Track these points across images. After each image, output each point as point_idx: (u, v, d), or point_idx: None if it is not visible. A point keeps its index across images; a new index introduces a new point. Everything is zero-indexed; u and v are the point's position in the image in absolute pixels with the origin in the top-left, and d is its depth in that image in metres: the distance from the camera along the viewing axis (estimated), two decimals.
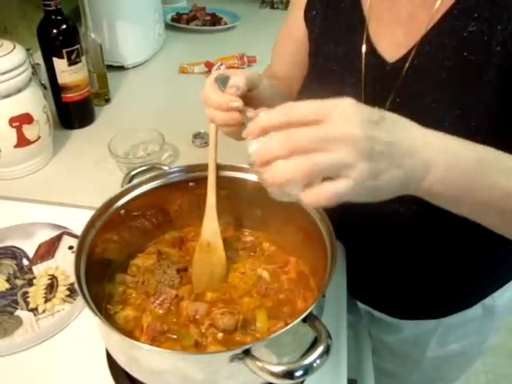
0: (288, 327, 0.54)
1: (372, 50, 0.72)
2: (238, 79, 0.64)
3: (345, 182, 0.44)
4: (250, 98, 0.67)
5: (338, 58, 0.76)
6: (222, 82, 0.65)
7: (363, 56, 0.72)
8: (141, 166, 0.79)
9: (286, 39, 0.91)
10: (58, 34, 1.10)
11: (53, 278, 0.81)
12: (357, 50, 0.73)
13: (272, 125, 0.48)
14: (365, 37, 0.73)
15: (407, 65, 0.68)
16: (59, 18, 1.09)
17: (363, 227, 0.81)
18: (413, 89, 0.68)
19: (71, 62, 1.13)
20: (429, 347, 0.97)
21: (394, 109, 0.66)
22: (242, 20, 1.84)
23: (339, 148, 0.44)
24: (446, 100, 0.66)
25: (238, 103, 0.63)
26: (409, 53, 0.68)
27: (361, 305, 0.97)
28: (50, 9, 1.07)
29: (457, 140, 0.52)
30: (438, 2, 0.66)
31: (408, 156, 0.47)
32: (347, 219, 0.78)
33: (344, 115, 0.46)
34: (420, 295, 0.87)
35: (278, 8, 2.02)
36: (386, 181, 0.46)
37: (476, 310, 0.90)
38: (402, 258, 0.80)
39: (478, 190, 0.52)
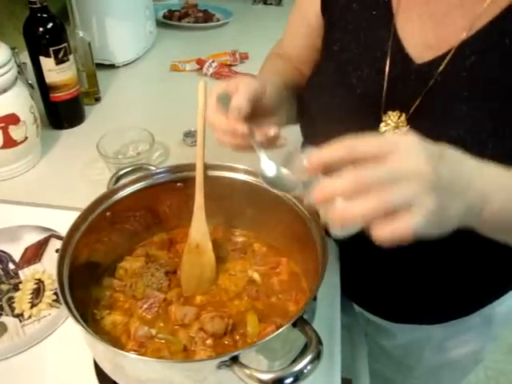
0: (277, 333, 0.53)
1: (398, 46, 0.67)
2: (240, 100, 0.61)
3: (417, 217, 0.44)
4: (256, 108, 0.64)
5: (358, 50, 0.71)
6: (224, 101, 0.63)
7: (388, 51, 0.67)
8: (127, 167, 0.77)
9: (299, 20, 0.86)
10: (45, 32, 1.07)
11: (39, 282, 0.79)
12: (381, 43, 0.68)
13: (333, 158, 0.47)
14: (392, 31, 0.67)
15: (439, 70, 0.63)
16: (45, 15, 1.07)
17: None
18: (442, 96, 0.64)
19: (59, 61, 1.11)
20: (424, 354, 0.95)
21: (419, 114, 0.65)
22: (234, 16, 1.82)
23: (408, 185, 0.44)
24: (478, 115, 0.61)
25: (244, 129, 0.61)
26: (441, 57, 0.63)
27: (356, 307, 0.95)
28: (36, 6, 1.05)
29: (507, 171, 0.52)
30: (485, 5, 0.61)
31: (469, 188, 0.48)
32: None
33: (410, 152, 0.45)
34: (416, 299, 0.84)
35: (271, 4, 2.00)
36: (451, 214, 0.47)
37: (474, 319, 0.87)
38: (398, 260, 0.78)
39: None
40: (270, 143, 0.63)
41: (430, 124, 0.64)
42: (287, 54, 0.89)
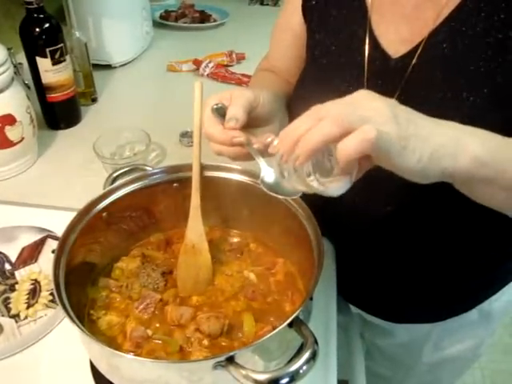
0: (273, 333, 0.53)
1: (374, 43, 0.69)
2: (236, 110, 0.62)
3: (374, 130, 0.44)
4: (250, 118, 0.64)
5: (339, 51, 0.74)
6: (220, 112, 0.63)
7: (366, 49, 0.70)
8: (124, 167, 0.77)
9: (282, 32, 0.88)
10: (41, 32, 1.07)
11: (36, 282, 0.79)
12: (358, 43, 0.70)
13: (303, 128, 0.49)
14: (367, 29, 0.70)
15: (413, 61, 0.65)
16: (41, 16, 1.07)
17: (353, 227, 0.79)
18: (419, 86, 0.66)
19: (55, 62, 1.11)
20: (423, 352, 0.95)
21: None
22: (231, 17, 1.82)
23: (365, 109, 0.47)
24: (454, 99, 0.63)
25: (241, 138, 0.62)
26: (414, 49, 0.66)
27: (352, 308, 0.95)
28: (32, 7, 1.05)
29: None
30: None
31: (435, 134, 0.49)
32: (336, 219, 0.77)
33: (369, 96, 0.49)
34: (413, 299, 0.84)
35: (267, 4, 2.01)
36: (414, 151, 0.47)
37: (472, 315, 0.88)
38: (394, 259, 0.78)
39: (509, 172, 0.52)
40: (267, 150, 0.64)
41: None
42: (275, 66, 0.91)
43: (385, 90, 0.67)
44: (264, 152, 0.62)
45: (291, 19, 0.83)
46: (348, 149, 0.45)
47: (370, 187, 0.72)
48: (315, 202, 0.70)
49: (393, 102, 0.49)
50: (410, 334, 0.94)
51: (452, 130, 0.50)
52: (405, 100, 0.65)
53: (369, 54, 0.69)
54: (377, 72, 0.69)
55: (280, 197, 0.64)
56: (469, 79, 0.62)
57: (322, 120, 0.46)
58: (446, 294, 0.83)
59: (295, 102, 0.81)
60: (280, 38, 0.90)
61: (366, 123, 0.45)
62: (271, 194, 0.61)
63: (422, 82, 0.66)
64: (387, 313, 0.91)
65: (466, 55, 0.62)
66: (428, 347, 0.94)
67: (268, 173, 0.62)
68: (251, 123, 0.65)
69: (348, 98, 0.49)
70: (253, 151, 0.62)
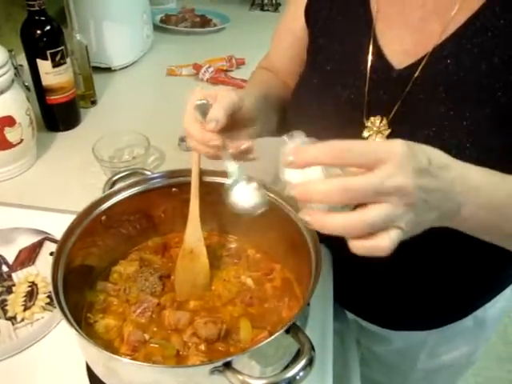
0: (270, 339, 0.53)
1: (378, 53, 0.69)
2: (217, 112, 0.61)
3: (393, 238, 0.45)
4: (232, 119, 0.64)
5: (342, 59, 0.73)
6: (202, 109, 0.63)
7: (369, 59, 0.69)
8: (123, 171, 0.78)
9: (284, 33, 0.89)
10: (42, 35, 1.08)
11: (33, 285, 0.79)
12: (362, 52, 0.70)
13: (321, 162, 0.47)
14: (372, 39, 0.70)
15: (416, 74, 0.65)
16: (43, 18, 1.08)
17: None
18: (420, 99, 0.66)
19: (56, 64, 1.11)
20: (419, 359, 0.95)
21: (400, 118, 0.66)
22: (231, 22, 1.83)
23: (390, 200, 0.44)
24: (456, 115, 0.63)
25: (218, 141, 0.62)
26: (418, 61, 0.65)
27: (348, 314, 0.95)
28: (34, 9, 1.06)
29: (489, 175, 0.53)
30: (454, 11, 0.63)
31: (447, 200, 0.49)
32: None
33: (398, 164, 0.44)
34: (409, 306, 0.85)
35: (267, 10, 2.01)
36: (425, 223, 0.48)
37: (467, 322, 0.88)
38: (391, 268, 0.78)
39: (507, 222, 0.55)
40: (242, 156, 0.64)
41: (409, 126, 0.66)
42: (274, 66, 0.91)
43: (386, 101, 0.68)
44: (237, 157, 0.63)
45: (293, 22, 0.83)
46: (359, 250, 0.46)
47: None
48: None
49: (424, 162, 0.46)
50: (405, 341, 0.94)
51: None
52: (405, 112, 0.66)
53: (372, 64, 0.69)
54: (379, 82, 0.69)
55: (244, 207, 0.63)
56: (471, 97, 0.62)
57: (344, 199, 0.45)
58: (442, 302, 0.84)
59: (294, 106, 0.81)
60: (281, 39, 0.90)
61: (386, 226, 0.45)
62: (234, 203, 0.61)
63: (424, 95, 0.65)
64: (383, 320, 0.91)
65: (470, 73, 0.62)
66: (424, 354, 0.94)
67: (238, 182, 0.61)
68: (233, 124, 0.65)
69: (376, 155, 0.45)
70: (226, 156, 0.62)
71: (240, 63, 1.55)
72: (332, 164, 0.46)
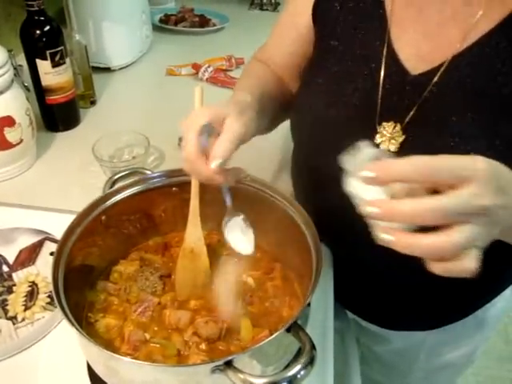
0: (271, 338, 0.53)
1: (393, 57, 0.67)
2: (224, 149, 0.57)
3: (475, 252, 0.44)
4: None
5: (352, 60, 0.71)
6: (208, 131, 0.60)
7: (383, 62, 0.67)
8: (123, 171, 0.78)
9: (286, 28, 0.85)
10: (42, 35, 1.07)
11: (33, 284, 0.79)
12: (375, 55, 0.68)
13: (408, 179, 0.44)
14: (386, 42, 0.67)
15: (434, 81, 0.63)
16: (42, 18, 1.07)
17: (351, 234, 0.79)
18: (437, 107, 0.64)
19: (55, 64, 1.11)
20: (419, 359, 0.95)
21: (415, 125, 0.65)
22: (230, 21, 1.82)
23: (475, 220, 0.43)
24: (471, 127, 0.62)
25: (220, 180, 0.60)
26: (436, 68, 0.63)
27: (349, 313, 0.95)
28: (33, 9, 1.05)
29: None
30: (476, 18, 0.61)
31: (510, 216, 0.47)
32: (334, 225, 0.77)
33: (483, 184, 0.43)
34: (409, 307, 0.84)
35: (267, 10, 2.01)
36: (490, 239, 0.46)
37: (467, 322, 0.87)
38: (392, 268, 0.78)
39: None
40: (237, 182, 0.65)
41: (424, 134, 0.64)
42: (271, 60, 0.88)
43: (400, 106, 0.66)
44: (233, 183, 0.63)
45: (297, 18, 0.81)
46: (438, 271, 0.45)
47: None
48: (314, 208, 0.71)
49: (503, 180, 0.45)
50: (405, 341, 0.94)
51: None
52: (421, 119, 0.64)
53: (385, 67, 0.67)
54: (393, 87, 0.67)
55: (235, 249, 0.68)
56: (491, 107, 0.61)
57: (433, 220, 0.43)
58: (442, 303, 0.83)
59: (303, 101, 0.78)
60: (282, 34, 0.87)
61: (469, 248, 0.43)
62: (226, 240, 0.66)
63: (442, 103, 0.64)
64: (383, 320, 0.91)
65: (490, 84, 0.61)
66: (424, 354, 0.94)
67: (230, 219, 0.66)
68: None
69: (462, 173, 0.43)
70: (225, 191, 0.64)
71: (239, 63, 1.54)
72: (417, 181, 0.45)
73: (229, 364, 0.51)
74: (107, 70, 1.48)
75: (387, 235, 0.44)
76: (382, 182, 0.45)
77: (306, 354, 0.51)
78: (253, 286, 0.73)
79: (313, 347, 0.52)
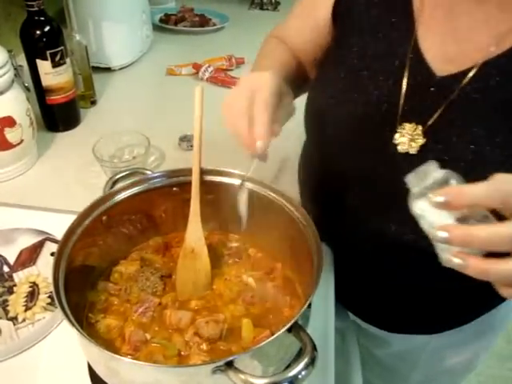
0: (272, 338, 0.53)
1: (418, 57, 0.65)
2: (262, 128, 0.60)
3: None
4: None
5: (376, 58, 0.69)
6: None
7: (408, 61, 0.66)
8: (124, 171, 0.78)
9: (305, 16, 0.84)
10: (42, 35, 1.07)
11: (34, 285, 0.79)
12: (400, 54, 0.66)
13: (484, 206, 0.44)
14: (412, 41, 0.66)
15: (461, 85, 0.62)
16: (42, 18, 1.07)
17: (352, 234, 0.79)
18: (461, 112, 0.62)
19: (55, 64, 1.11)
20: (419, 363, 0.94)
21: (437, 129, 0.63)
22: (230, 21, 1.82)
23: None
24: (495, 135, 0.60)
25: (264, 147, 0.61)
26: (464, 72, 0.62)
27: (350, 315, 0.94)
28: (33, 9, 1.05)
29: None
30: (508, 24, 0.59)
31: None
32: (335, 225, 0.77)
33: None
34: (411, 310, 0.83)
35: (267, 9, 2.01)
36: None
37: (470, 328, 0.86)
38: (393, 269, 0.77)
39: None
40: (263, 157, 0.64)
41: (446, 139, 0.63)
42: (291, 41, 0.86)
43: (423, 108, 0.64)
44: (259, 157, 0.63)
45: (315, 10, 0.79)
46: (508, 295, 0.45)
47: (371, 197, 0.72)
48: (315, 208, 0.71)
49: None
50: (406, 344, 0.93)
51: None
52: (444, 123, 0.63)
53: (410, 66, 0.66)
54: (416, 87, 0.65)
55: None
56: None
57: None
58: (445, 308, 0.82)
59: (319, 94, 0.76)
60: (303, 20, 0.85)
61: None
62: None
63: (468, 108, 0.62)
64: (383, 322, 0.90)
65: None
66: (425, 358, 0.93)
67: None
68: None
69: None
70: (241, 200, 0.69)
71: (240, 62, 1.54)
72: (487, 206, 0.44)
73: (230, 364, 0.51)
74: (107, 69, 1.48)
75: (460, 260, 0.44)
76: (455, 208, 0.44)
77: (307, 354, 0.51)
78: (253, 286, 0.73)
79: (314, 347, 0.51)
